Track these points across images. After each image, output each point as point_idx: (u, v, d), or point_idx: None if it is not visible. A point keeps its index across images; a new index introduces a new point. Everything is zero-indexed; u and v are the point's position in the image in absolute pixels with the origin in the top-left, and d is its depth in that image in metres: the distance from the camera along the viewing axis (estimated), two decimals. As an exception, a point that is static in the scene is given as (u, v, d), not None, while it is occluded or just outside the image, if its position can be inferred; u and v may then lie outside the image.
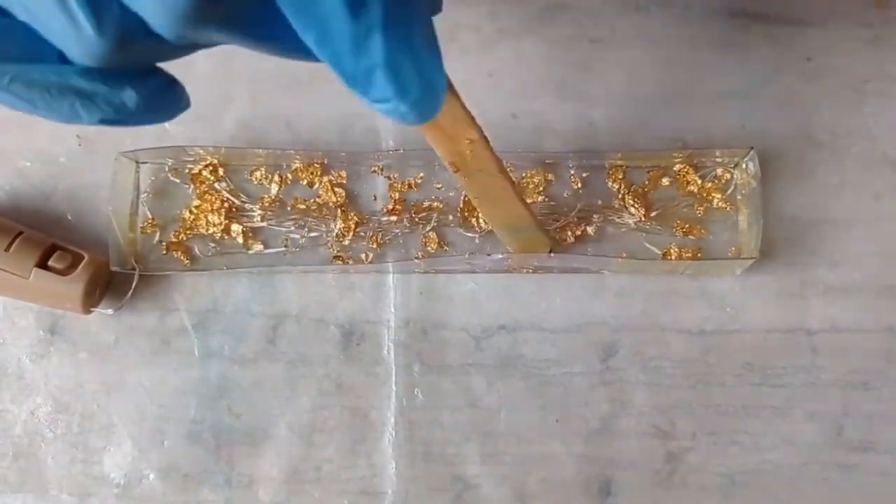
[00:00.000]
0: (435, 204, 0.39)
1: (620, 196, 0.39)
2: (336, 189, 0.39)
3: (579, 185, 0.39)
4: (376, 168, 0.40)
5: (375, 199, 0.39)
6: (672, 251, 0.38)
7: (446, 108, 0.25)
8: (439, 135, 0.27)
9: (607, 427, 0.38)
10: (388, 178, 0.39)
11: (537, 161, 0.39)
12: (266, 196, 0.39)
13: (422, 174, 0.40)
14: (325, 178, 0.39)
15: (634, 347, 0.38)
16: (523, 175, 0.39)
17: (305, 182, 0.39)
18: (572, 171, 0.39)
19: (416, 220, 0.39)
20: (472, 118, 0.27)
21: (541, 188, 0.39)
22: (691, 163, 0.39)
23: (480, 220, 0.39)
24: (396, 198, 0.39)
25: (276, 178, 0.39)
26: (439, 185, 0.39)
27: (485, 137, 0.28)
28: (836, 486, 0.37)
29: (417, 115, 0.21)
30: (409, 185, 0.39)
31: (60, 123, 0.22)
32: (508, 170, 0.39)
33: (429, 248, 0.39)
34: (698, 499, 0.37)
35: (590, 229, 0.39)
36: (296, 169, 0.39)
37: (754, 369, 0.38)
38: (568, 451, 0.37)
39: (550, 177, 0.39)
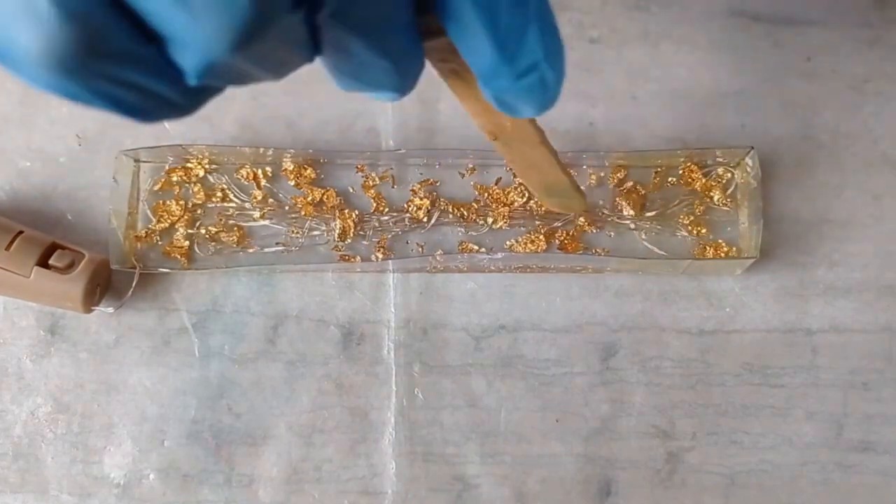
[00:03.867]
0: (439, 202, 0.39)
1: (623, 195, 0.39)
2: (333, 188, 0.39)
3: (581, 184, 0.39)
4: (358, 166, 0.40)
5: (353, 189, 0.39)
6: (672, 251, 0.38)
7: None
8: (483, 106, 0.25)
9: (607, 427, 0.38)
10: (365, 176, 0.40)
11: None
12: (265, 195, 0.39)
13: (421, 173, 0.40)
14: (323, 178, 0.39)
15: (634, 347, 0.38)
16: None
17: (300, 182, 0.39)
18: (573, 171, 0.39)
19: (417, 219, 0.39)
20: None
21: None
22: (693, 161, 0.39)
23: (480, 219, 0.39)
24: (373, 194, 0.39)
25: (276, 177, 0.39)
26: (436, 182, 0.40)
27: None
28: (836, 486, 0.37)
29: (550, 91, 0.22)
30: (381, 179, 0.39)
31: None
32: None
33: (441, 248, 0.39)
34: (698, 499, 0.37)
35: (590, 229, 0.39)
36: (295, 168, 0.39)
37: (754, 369, 0.38)
38: (568, 451, 0.37)
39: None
